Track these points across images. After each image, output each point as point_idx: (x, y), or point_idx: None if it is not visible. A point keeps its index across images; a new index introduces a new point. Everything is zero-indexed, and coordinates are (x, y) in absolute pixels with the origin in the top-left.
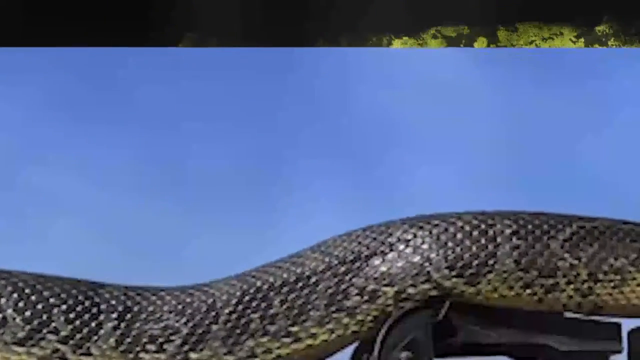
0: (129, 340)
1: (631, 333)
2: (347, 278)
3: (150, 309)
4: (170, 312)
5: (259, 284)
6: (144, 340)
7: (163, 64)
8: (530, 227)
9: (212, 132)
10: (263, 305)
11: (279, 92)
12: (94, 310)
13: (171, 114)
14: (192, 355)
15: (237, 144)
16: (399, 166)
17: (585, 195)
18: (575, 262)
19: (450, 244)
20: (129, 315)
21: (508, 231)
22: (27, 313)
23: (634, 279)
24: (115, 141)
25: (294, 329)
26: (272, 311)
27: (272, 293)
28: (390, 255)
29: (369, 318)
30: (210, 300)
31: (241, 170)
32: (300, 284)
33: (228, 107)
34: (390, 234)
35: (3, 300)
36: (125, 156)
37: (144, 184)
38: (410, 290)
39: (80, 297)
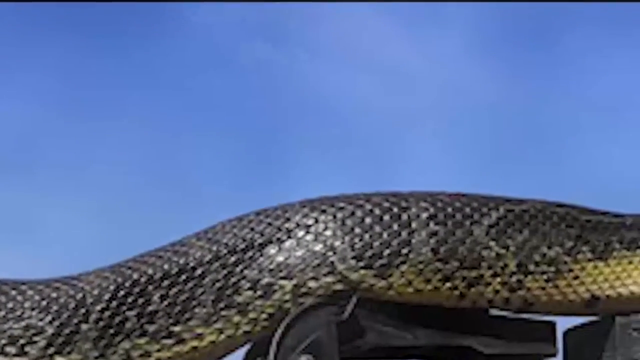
0: None
1: (567, 333)
2: (237, 270)
3: (10, 305)
4: (33, 309)
5: (136, 276)
6: (3, 341)
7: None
8: (450, 210)
9: (209, 127)
10: (140, 301)
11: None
12: None
13: (168, 109)
14: (59, 358)
15: (234, 140)
16: (403, 156)
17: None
18: (503, 251)
19: (357, 230)
20: None
21: (425, 215)
22: None
23: (571, 270)
24: (114, 138)
25: (177, 328)
26: (151, 308)
27: (151, 287)
28: (287, 243)
29: (264, 316)
30: (79, 296)
31: (239, 168)
32: (183, 277)
33: (224, 101)
34: (288, 219)
35: None
36: (123, 154)
37: (142, 183)
38: (311, 284)
39: None
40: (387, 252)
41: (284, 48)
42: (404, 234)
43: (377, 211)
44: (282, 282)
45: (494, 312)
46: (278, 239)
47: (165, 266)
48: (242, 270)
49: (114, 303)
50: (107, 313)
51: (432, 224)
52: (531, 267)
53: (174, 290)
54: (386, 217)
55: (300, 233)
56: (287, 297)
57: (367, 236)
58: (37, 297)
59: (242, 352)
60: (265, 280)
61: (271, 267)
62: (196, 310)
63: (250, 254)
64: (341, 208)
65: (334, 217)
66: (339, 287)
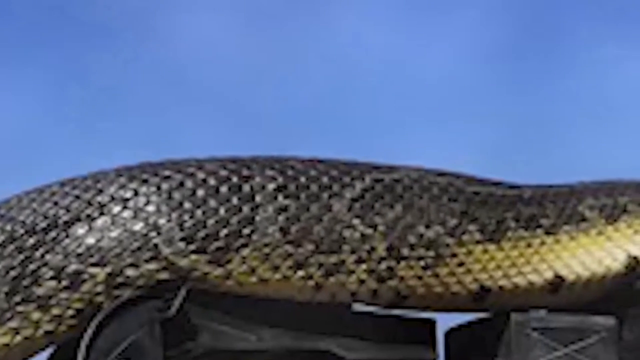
0: None
1: (449, 334)
2: (37, 254)
3: None
4: None
5: None
6: None
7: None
8: (303, 180)
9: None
10: None
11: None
12: None
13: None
14: None
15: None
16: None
17: None
18: (369, 231)
19: (187, 206)
20: None
21: (271, 186)
22: None
23: (454, 255)
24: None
25: None
26: None
27: None
28: (100, 222)
29: (70, 312)
30: None
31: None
32: None
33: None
34: (101, 191)
35: None
36: (119, 147)
37: None
38: (130, 272)
39: None
40: (224, 232)
41: None
42: (246, 209)
43: (212, 181)
44: (93, 269)
45: (359, 307)
46: (88, 215)
47: None
48: (42, 255)
49: None
50: None
51: (280, 197)
52: (405, 252)
53: None
54: (223, 189)
55: (116, 208)
56: (100, 288)
57: (199, 212)
58: None
59: (42, 357)
60: (72, 268)
61: (79, 251)
62: None
63: (53, 234)
64: (167, 177)
65: (158, 188)
66: (164, 275)
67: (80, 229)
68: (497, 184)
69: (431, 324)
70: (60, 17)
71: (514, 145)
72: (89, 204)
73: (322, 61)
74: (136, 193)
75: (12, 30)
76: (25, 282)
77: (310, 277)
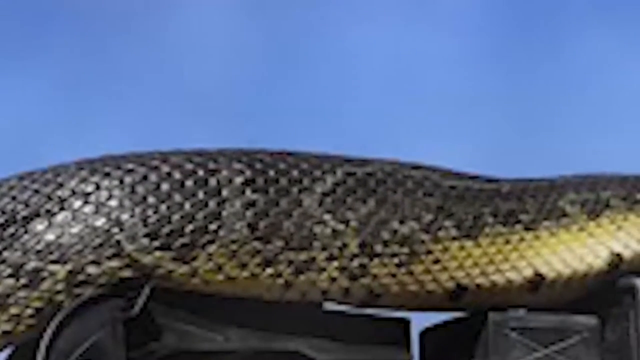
0: None
1: (424, 334)
2: None
3: None
4: None
5: None
6: None
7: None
8: (272, 173)
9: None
10: None
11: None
12: None
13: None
14: None
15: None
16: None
17: None
18: (341, 226)
19: (151, 200)
20: None
21: (239, 180)
22: None
23: (430, 252)
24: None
25: None
26: None
27: None
28: (60, 217)
29: (29, 311)
30: None
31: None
32: None
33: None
34: (61, 185)
35: None
36: (119, 147)
37: None
38: (91, 270)
39: None
40: (190, 228)
41: None
42: (212, 204)
43: (177, 175)
44: (53, 267)
45: (331, 306)
46: (47, 211)
47: None
48: (0, 252)
49: None
50: None
51: (248, 192)
52: (378, 248)
53: None
54: (189, 183)
55: (77, 203)
56: (60, 286)
57: (163, 207)
58: None
59: (0, 358)
60: (31, 265)
61: (39, 247)
62: None
63: (11, 230)
64: (130, 171)
65: (121, 182)
66: (127, 273)
67: (39, 225)
68: (474, 177)
69: (405, 323)
70: (59, 17)
71: (513, 145)
72: (49, 198)
73: (323, 61)
74: (98, 187)
75: (13, 30)
76: None
77: (280, 275)
